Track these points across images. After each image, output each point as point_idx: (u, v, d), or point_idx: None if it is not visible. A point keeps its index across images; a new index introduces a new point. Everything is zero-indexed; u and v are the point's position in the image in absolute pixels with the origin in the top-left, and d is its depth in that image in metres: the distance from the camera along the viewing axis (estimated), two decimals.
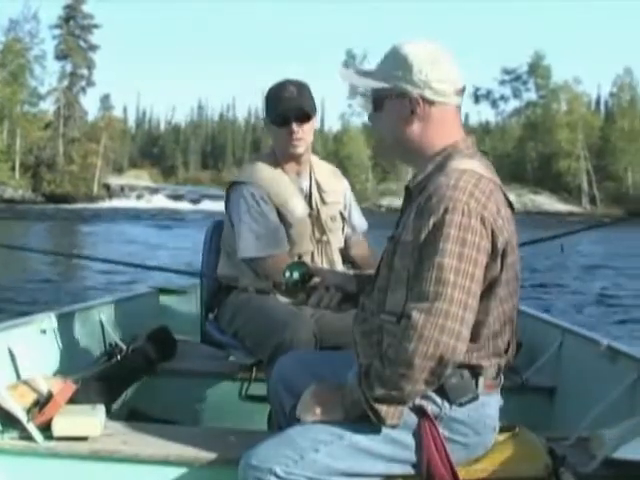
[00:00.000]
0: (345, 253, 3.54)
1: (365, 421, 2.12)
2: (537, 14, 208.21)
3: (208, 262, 3.65)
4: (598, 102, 79.53)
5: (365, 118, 58.77)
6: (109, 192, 59.94)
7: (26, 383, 2.94)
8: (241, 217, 3.31)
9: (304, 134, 3.34)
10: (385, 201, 52.74)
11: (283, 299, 3.04)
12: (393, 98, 2.23)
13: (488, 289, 2.12)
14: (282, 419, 2.55)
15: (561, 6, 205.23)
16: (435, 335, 2.00)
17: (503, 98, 61.03)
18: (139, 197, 58.76)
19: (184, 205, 53.60)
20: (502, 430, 2.34)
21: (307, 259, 3.28)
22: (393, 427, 2.11)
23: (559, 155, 58.47)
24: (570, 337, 3.67)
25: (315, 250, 3.38)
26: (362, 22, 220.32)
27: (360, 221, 3.65)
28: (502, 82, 61.08)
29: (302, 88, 3.39)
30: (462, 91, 2.25)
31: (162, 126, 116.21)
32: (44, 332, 3.37)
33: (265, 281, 3.14)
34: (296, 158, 3.40)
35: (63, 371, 3.23)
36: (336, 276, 2.70)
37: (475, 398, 2.17)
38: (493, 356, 2.20)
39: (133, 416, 3.30)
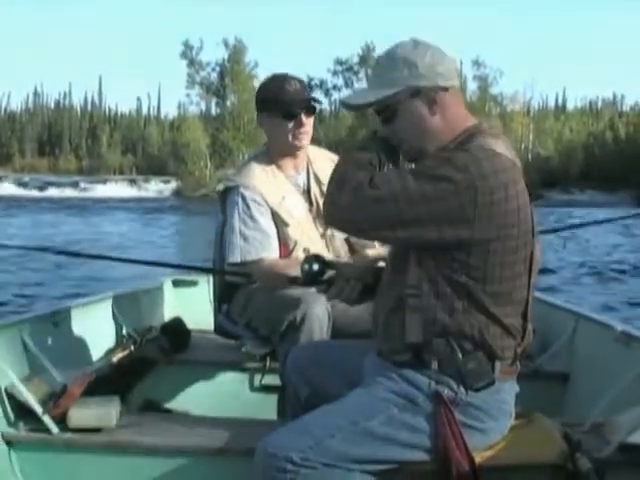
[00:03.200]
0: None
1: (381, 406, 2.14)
2: (367, 8, 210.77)
3: (220, 257, 3.64)
4: None
5: (203, 107, 60.66)
6: None
7: (41, 375, 2.96)
8: (231, 222, 3.28)
9: (309, 127, 3.33)
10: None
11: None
12: (406, 101, 2.23)
13: (497, 263, 2.13)
14: (297, 408, 2.55)
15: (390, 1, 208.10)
16: (358, 203, 2.12)
17: (336, 88, 62.49)
18: None
19: (31, 192, 53.05)
20: (517, 416, 2.35)
21: None
22: None
23: None
24: (584, 323, 3.65)
25: (321, 245, 3.33)
26: (197, 12, 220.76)
27: None
28: (335, 72, 62.49)
29: (303, 83, 3.39)
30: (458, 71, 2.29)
31: None
32: (58, 325, 3.37)
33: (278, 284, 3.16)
34: (295, 153, 3.37)
35: (77, 363, 3.24)
36: (353, 268, 2.70)
37: (491, 383, 2.17)
38: (506, 337, 2.20)
39: (147, 407, 3.31)
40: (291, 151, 3.36)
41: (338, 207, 2.15)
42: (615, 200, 46.89)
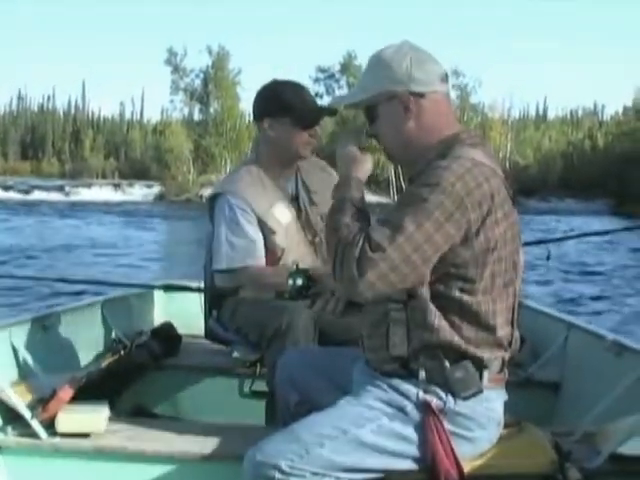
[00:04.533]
0: None
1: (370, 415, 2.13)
2: (349, 18, 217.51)
3: (210, 265, 3.62)
4: None
5: (186, 112, 61.07)
6: None
7: (29, 380, 2.95)
8: (218, 230, 3.28)
9: None
10: (206, 192, 53.74)
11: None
12: (384, 103, 2.25)
13: (488, 273, 2.13)
14: (287, 415, 2.54)
15: (371, 9, 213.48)
16: (367, 268, 2.01)
17: (317, 95, 62.45)
18: None
19: (16, 196, 52.90)
20: (507, 425, 2.34)
21: (303, 263, 3.17)
22: None
23: (368, 150, 59.69)
24: (575, 332, 3.65)
25: (309, 252, 3.32)
26: (182, 18, 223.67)
27: None
28: (316, 80, 62.91)
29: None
30: (446, 78, 2.27)
31: None
32: (48, 329, 3.36)
33: (265, 293, 3.16)
34: (295, 162, 3.37)
35: (67, 367, 3.22)
36: None
37: (479, 392, 2.17)
38: (496, 347, 2.20)
39: (137, 412, 3.30)
40: (293, 160, 3.36)
41: (359, 282, 2.03)
42: (593, 208, 47.40)
